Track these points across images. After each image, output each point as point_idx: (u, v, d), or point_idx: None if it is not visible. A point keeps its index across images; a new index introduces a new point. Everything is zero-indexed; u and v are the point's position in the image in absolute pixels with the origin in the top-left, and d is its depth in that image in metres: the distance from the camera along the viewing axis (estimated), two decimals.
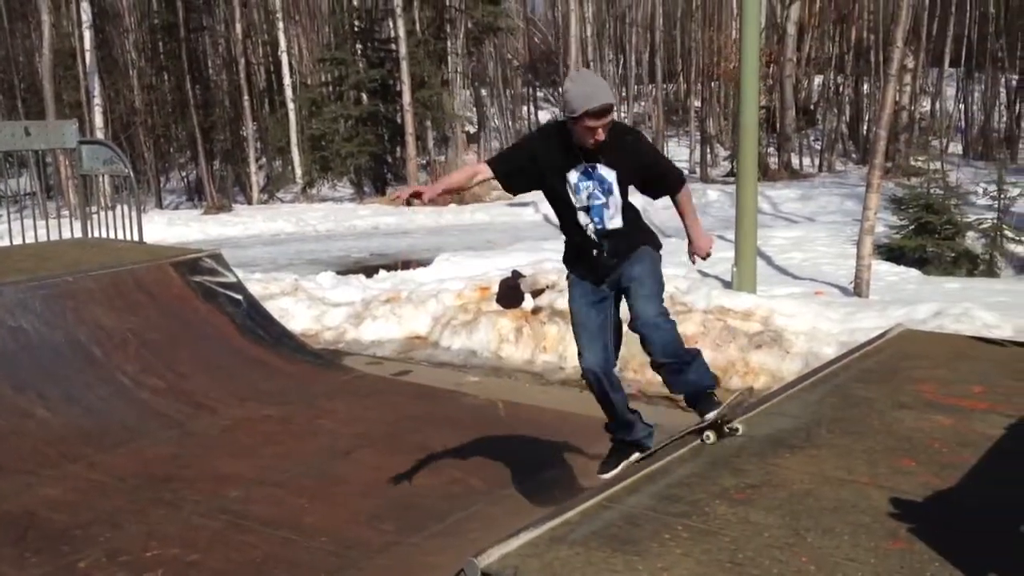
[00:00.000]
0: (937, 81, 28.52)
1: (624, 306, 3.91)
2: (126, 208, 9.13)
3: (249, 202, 25.37)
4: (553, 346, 8.49)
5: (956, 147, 27.10)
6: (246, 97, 26.20)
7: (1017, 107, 27.52)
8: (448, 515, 4.84)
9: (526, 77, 33.70)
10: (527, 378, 8.21)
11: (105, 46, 26.54)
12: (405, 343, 9.24)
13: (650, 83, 31.55)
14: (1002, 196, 12.08)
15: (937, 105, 28.29)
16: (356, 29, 26.54)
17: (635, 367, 7.95)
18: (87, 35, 23.40)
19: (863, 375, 4.88)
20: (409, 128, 23.13)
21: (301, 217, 20.90)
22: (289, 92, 25.77)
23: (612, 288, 3.86)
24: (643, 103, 32.86)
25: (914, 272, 10.61)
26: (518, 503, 4.94)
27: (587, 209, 3.72)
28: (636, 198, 3.93)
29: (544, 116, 33.70)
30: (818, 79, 30.60)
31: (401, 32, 22.85)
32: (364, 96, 25.43)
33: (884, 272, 10.07)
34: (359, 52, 26.09)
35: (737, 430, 3.90)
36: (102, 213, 9.53)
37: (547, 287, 8.96)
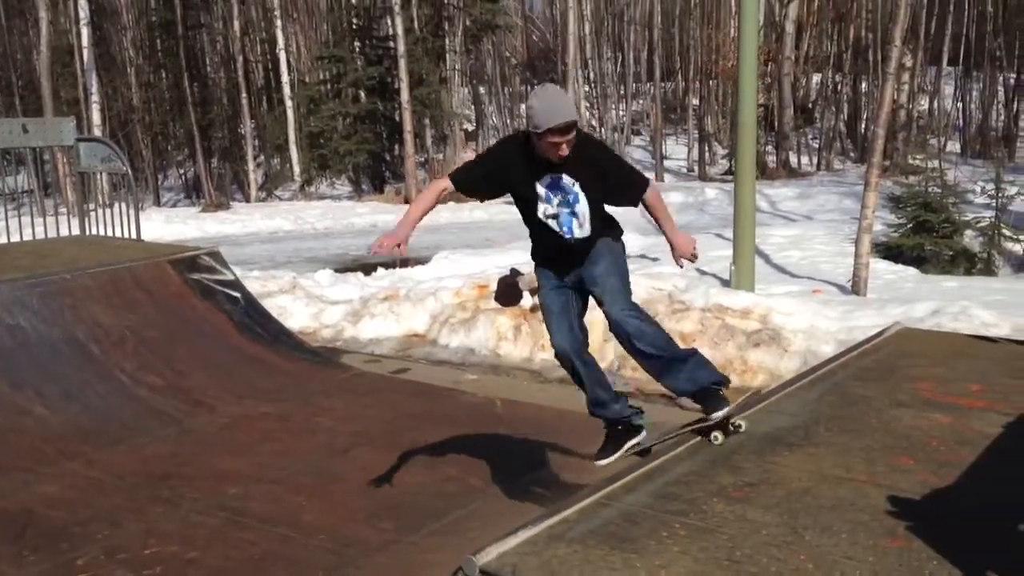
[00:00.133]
0: (935, 80, 28.52)
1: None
2: (124, 206, 9.12)
3: (247, 200, 25.35)
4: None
5: (954, 146, 27.10)
6: (244, 95, 26.17)
7: (1015, 106, 27.53)
8: (446, 513, 4.84)
9: (524, 75, 33.68)
10: (525, 376, 8.21)
11: (103, 43, 26.50)
12: (403, 341, 9.24)
13: (648, 81, 31.53)
14: (1000, 195, 12.09)
15: (935, 104, 28.30)
16: (354, 27, 26.52)
17: (632, 365, 7.93)
18: (85, 32, 23.37)
19: (861, 373, 4.89)
20: (407, 126, 23.11)
21: (299, 215, 20.88)
22: (287, 90, 25.74)
23: (574, 287, 3.91)
24: (641, 101, 32.84)
25: (912, 271, 10.62)
26: (516, 501, 4.94)
27: (555, 217, 3.76)
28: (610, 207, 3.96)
29: None
30: (816, 77, 30.60)
31: (399, 30, 22.83)
32: (362, 94, 25.41)
33: (882, 270, 10.08)
34: (357, 50, 26.06)
35: (740, 426, 3.89)
36: (100, 211, 9.52)
37: None
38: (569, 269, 3.87)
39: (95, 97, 23.36)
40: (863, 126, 28.15)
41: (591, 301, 4.01)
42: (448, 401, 7.00)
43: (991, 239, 11.83)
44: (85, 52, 23.44)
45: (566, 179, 3.68)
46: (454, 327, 9.08)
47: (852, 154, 28.20)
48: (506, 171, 3.75)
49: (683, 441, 3.93)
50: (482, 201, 4.20)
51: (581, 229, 3.77)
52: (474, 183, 3.87)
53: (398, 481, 5.28)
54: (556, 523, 3.24)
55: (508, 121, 29.23)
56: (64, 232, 9.50)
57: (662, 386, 3.98)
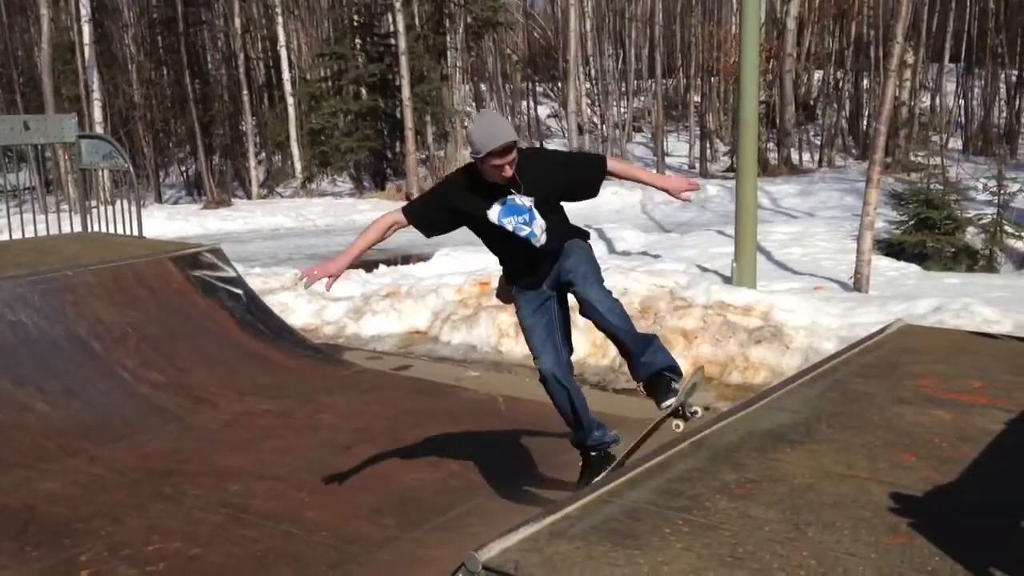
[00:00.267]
0: (937, 77, 28.49)
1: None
2: (126, 203, 9.12)
3: (248, 197, 25.35)
4: None
5: (956, 143, 27.08)
6: (245, 92, 26.17)
7: (1017, 102, 27.50)
8: (448, 509, 4.84)
9: (525, 72, 33.64)
10: (527, 373, 8.20)
11: (104, 40, 26.49)
12: (405, 338, 9.24)
13: (650, 78, 31.50)
14: (1002, 191, 12.09)
15: (937, 101, 28.26)
16: (355, 23, 26.50)
17: None
18: (86, 29, 23.36)
19: (863, 370, 4.88)
20: (408, 123, 23.10)
21: (300, 212, 20.89)
22: (288, 87, 25.73)
23: (553, 288, 3.98)
24: (642, 98, 32.82)
25: (914, 267, 10.61)
26: (518, 498, 4.94)
27: (514, 236, 3.85)
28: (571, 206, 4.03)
29: (544, 111, 33.68)
30: (818, 74, 30.57)
31: (400, 27, 22.81)
32: (363, 91, 25.39)
33: (884, 267, 10.08)
34: (358, 47, 26.05)
35: (697, 412, 3.88)
36: (102, 208, 9.53)
37: None
38: (545, 273, 3.94)
39: (96, 94, 23.36)
40: (865, 123, 28.11)
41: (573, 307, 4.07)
42: (450, 398, 7.00)
43: (993, 236, 11.82)
44: (86, 49, 23.43)
45: (518, 199, 3.77)
46: (456, 324, 9.08)
47: (854, 151, 28.17)
48: (459, 202, 3.85)
49: (685, 438, 3.93)
50: (428, 237, 4.19)
51: (540, 240, 3.86)
52: (428, 216, 3.98)
53: (400, 478, 5.29)
54: (558, 519, 3.24)
55: (509, 118, 29.20)
56: (66, 229, 9.50)
57: (627, 367, 4.01)
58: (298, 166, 25.45)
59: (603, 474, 3.93)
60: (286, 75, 25.87)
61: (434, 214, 3.96)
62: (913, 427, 3.98)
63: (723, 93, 29.32)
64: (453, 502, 4.94)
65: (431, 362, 8.46)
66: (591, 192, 3.98)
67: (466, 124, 27.79)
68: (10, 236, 9.11)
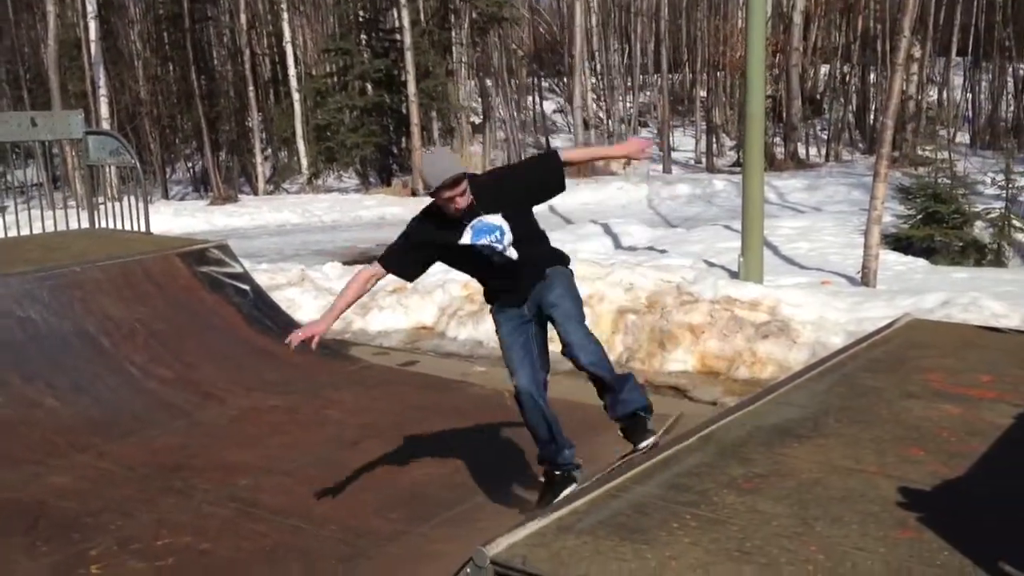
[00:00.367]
0: (944, 70, 28.34)
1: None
2: (133, 199, 9.14)
3: (255, 193, 25.38)
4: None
5: (963, 136, 26.98)
6: (251, 88, 26.17)
7: None
8: (456, 504, 4.86)
9: (531, 67, 33.57)
10: None
11: (110, 37, 26.51)
12: (412, 333, 9.25)
13: (655, 73, 31.40)
14: (1010, 185, 12.04)
15: (944, 94, 28.14)
16: (360, 19, 26.47)
17: (642, 357, 7.96)
18: (92, 25, 23.38)
19: (871, 364, 4.88)
20: (414, 118, 23.09)
21: (307, 208, 20.90)
22: (294, 82, 25.73)
23: (532, 312, 4.03)
24: (648, 93, 32.74)
25: (922, 262, 10.58)
26: (525, 492, 4.94)
27: (490, 254, 3.93)
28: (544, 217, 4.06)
29: (549, 106, 33.62)
30: (824, 68, 30.44)
31: (406, 22, 22.78)
32: (369, 86, 25.38)
33: (892, 262, 10.06)
34: (364, 42, 26.03)
35: (656, 444, 3.96)
36: (109, 204, 9.55)
37: None
38: (525, 296, 4.00)
39: (103, 90, 23.39)
40: (872, 117, 28.01)
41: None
42: (457, 393, 7.01)
43: (1001, 230, 11.78)
44: (92, 46, 23.46)
45: (486, 219, 3.87)
46: (462, 319, 9.08)
47: (861, 145, 28.07)
48: (430, 237, 3.96)
49: (694, 432, 3.93)
50: (411, 281, 4.41)
51: (514, 253, 3.94)
52: (405, 262, 4.10)
53: (408, 473, 5.30)
54: (566, 514, 3.25)
55: (515, 113, 29.16)
56: (73, 225, 9.54)
57: (602, 405, 4.13)
58: (304, 162, 25.46)
59: (562, 496, 3.97)
60: (292, 71, 25.88)
61: (410, 258, 4.08)
62: (921, 421, 3.98)
63: (729, 88, 29.24)
64: (460, 497, 4.95)
65: (438, 357, 8.46)
66: (558, 186, 4.04)
67: (471, 119, 27.79)
68: (18, 232, 9.13)
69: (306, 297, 9.85)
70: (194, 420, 6.19)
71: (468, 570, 3.08)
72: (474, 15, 26.03)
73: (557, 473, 4.14)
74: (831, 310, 7.73)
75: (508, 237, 3.89)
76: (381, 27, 26.39)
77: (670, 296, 8.33)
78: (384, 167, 26.02)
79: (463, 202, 3.79)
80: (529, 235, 3.98)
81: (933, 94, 28.29)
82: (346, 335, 9.24)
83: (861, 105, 29.07)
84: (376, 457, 5.54)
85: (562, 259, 4.12)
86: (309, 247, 16.22)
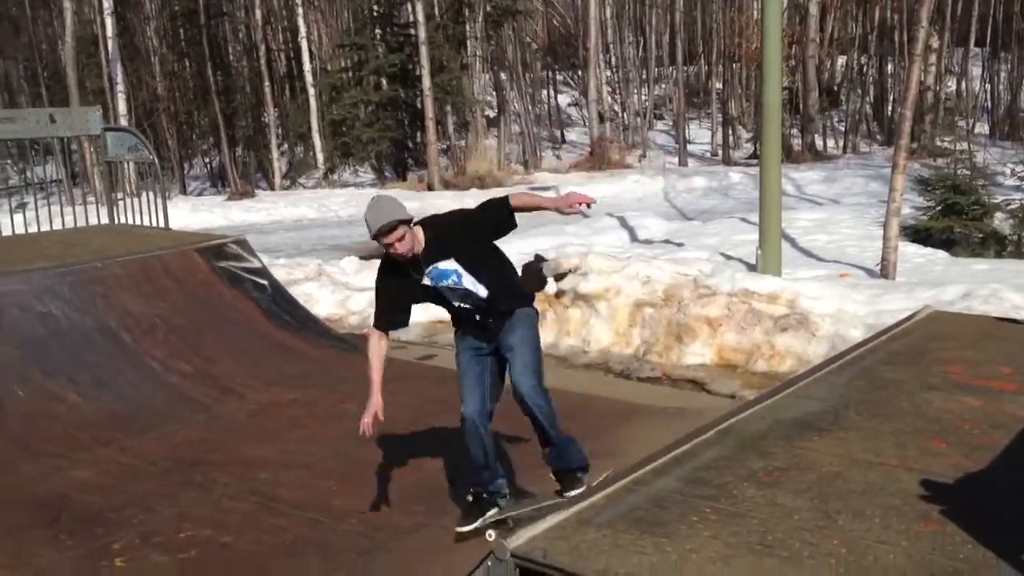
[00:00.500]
0: (962, 61, 28.09)
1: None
2: (151, 194, 9.19)
3: (272, 188, 25.47)
4: (577, 330, 8.49)
5: (982, 127, 26.73)
6: (267, 83, 26.26)
7: None
8: None
9: (545, 60, 33.49)
10: (551, 362, 8.19)
11: (127, 33, 26.65)
12: (429, 327, 9.24)
13: (671, 65, 31.27)
14: None
15: (962, 85, 27.89)
16: (375, 14, 26.49)
17: (659, 350, 7.95)
18: (109, 22, 23.51)
19: (891, 357, 4.86)
20: (429, 113, 23.10)
21: (323, 203, 20.95)
22: (309, 78, 25.79)
23: (493, 347, 4.14)
24: (664, 85, 32.60)
25: (941, 254, 10.50)
26: (544, 486, 4.94)
27: (452, 296, 4.07)
28: (512, 250, 4.29)
29: (564, 99, 33.53)
30: (841, 60, 30.22)
31: (420, 16, 22.78)
32: (384, 81, 25.40)
33: (911, 254, 9.98)
34: (378, 37, 26.05)
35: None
36: (128, 199, 9.61)
37: (570, 271, 8.95)
38: (486, 337, 4.13)
39: (120, 87, 23.53)
40: (890, 108, 27.79)
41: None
42: None
43: (1021, 221, 11.66)
44: (109, 42, 23.59)
45: (441, 264, 3.99)
46: None
47: (879, 136, 27.88)
48: (398, 287, 4.09)
49: (712, 426, 3.93)
50: (407, 326, 4.48)
51: (478, 294, 4.05)
52: (393, 317, 4.22)
53: (426, 466, 5.31)
54: (585, 508, 3.25)
55: (530, 107, 29.12)
56: (93, 221, 9.60)
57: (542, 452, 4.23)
58: (320, 157, 25.53)
59: (484, 519, 4.21)
60: (307, 66, 25.93)
61: (395, 311, 4.20)
62: (942, 414, 3.96)
63: (745, 79, 29.07)
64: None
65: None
66: (508, 228, 4.10)
67: (486, 113, 27.77)
68: (38, 228, 9.20)
69: (323, 292, 9.88)
70: (214, 414, 6.23)
71: (489, 563, 3.09)
72: (488, 8, 25.99)
73: (484, 496, 4.29)
74: (850, 303, 7.69)
75: (468, 279, 4.02)
76: (395, 22, 26.40)
77: (687, 289, 8.31)
78: (399, 161, 26.05)
79: (402, 247, 3.90)
80: (491, 275, 4.09)
81: (951, 85, 28.02)
82: (364, 329, 9.25)
83: (879, 96, 28.85)
84: (395, 451, 5.55)
85: (527, 300, 4.26)
86: (326, 242, 16.26)
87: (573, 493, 3.98)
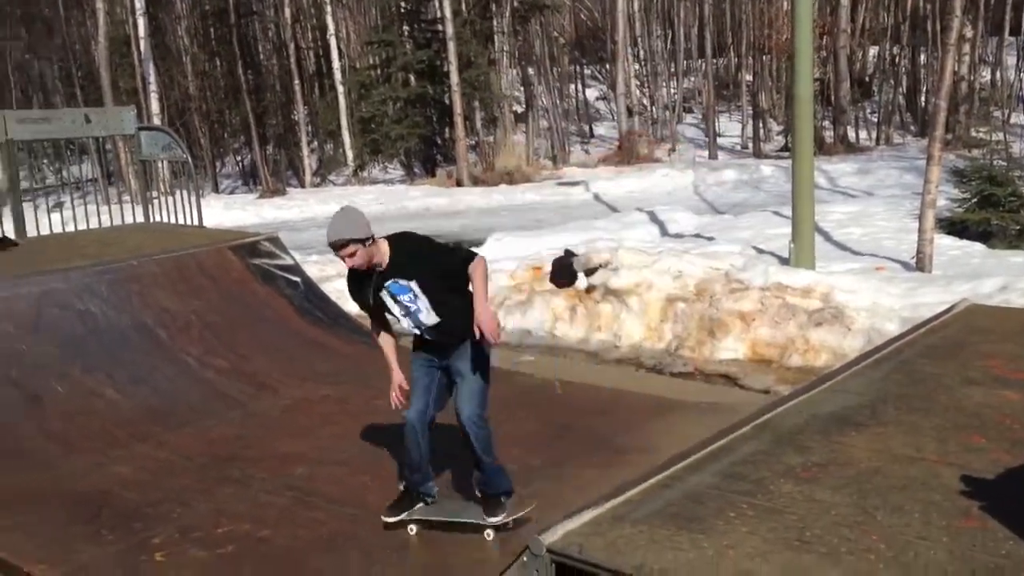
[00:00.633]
0: (996, 50, 27.62)
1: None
2: (185, 193, 9.29)
3: (302, 185, 25.64)
4: (608, 324, 8.47)
5: (1018, 117, 26.28)
6: (296, 81, 26.43)
7: None
8: None
9: (573, 55, 33.39)
10: (582, 357, 8.21)
11: (158, 33, 26.94)
12: None
13: (700, 58, 31.06)
14: None
15: (997, 75, 27.45)
16: (403, 10, 26.56)
17: (691, 345, 7.91)
18: (141, 22, 23.77)
19: (929, 351, 4.80)
20: (457, 108, 23.13)
21: (353, 199, 21.04)
22: (338, 75, 25.92)
23: (442, 366, 4.31)
24: (692, 78, 32.39)
25: (978, 246, 10.34)
26: (577, 481, 4.95)
27: (407, 315, 4.19)
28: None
29: (592, 93, 33.44)
30: (873, 50, 29.85)
31: (447, 12, 22.81)
32: (412, 78, 25.48)
33: (947, 246, 9.84)
34: (406, 33, 26.13)
35: (509, 525, 4.32)
36: (162, 198, 9.71)
37: (601, 265, 8.93)
38: (437, 354, 4.29)
39: (153, 86, 23.79)
40: (923, 99, 27.42)
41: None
42: (505, 383, 6.99)
43: None
44: (142, 42, 23.86)
45: (399, 282, 4.11)
46: (510, 309, 9.10)
47: (912, 128, 27.52)
48: (363, 295, 4.23)
49: (747, 422, 3.90)
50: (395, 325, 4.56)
51: (429, 318, 4.17)
52: (377, 321, 4.41)
53: (459, 462, 5.33)
54: (620, 503, 3.25)
55: (558, 101, 29.04)
56: (128, 219, 9.72)
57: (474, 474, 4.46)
58: (350, 154, 25.66)
59: (408, 513, 4.44)
60: (336, 64, 26.06)
61: (375, 316, 4.36)
62: (982, 408, 3.91)
63: (776, 71, 28.80)
64: (512, 485, 4.95)
65: None
66: (459, 278, 4.16)
67: (514, 108, 27.75)
68: (75, 227, 9.33)
69: None
70: (249, 410, 6.29)
71: (524, 558, 3.10)
72: (515, 3, 25.97)
73: (414, 494, 4.49)
74: (886, 296, 7.60)
75: (423, 301, 4.13)
76: (423, 18, 26.46)
77: (719, 283, 8.26)
78: (428, 158, 26.12)
79: (352, 262, 4.05)
80: (448, 306, 4.16)
81: (986, 74, 27.59)
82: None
83: (912, 87, 28.47)
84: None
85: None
86: None
87: (494, 520, 4.28)
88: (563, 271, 9.31)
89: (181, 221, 9.25)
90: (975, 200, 11.41)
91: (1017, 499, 3.07)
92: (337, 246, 4.01)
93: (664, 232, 12.30)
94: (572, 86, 32.25)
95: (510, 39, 26.89)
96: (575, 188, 20.84)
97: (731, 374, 7.35)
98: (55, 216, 9.55)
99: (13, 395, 5.93)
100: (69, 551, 4.40)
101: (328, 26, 26.27)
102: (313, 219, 19.52)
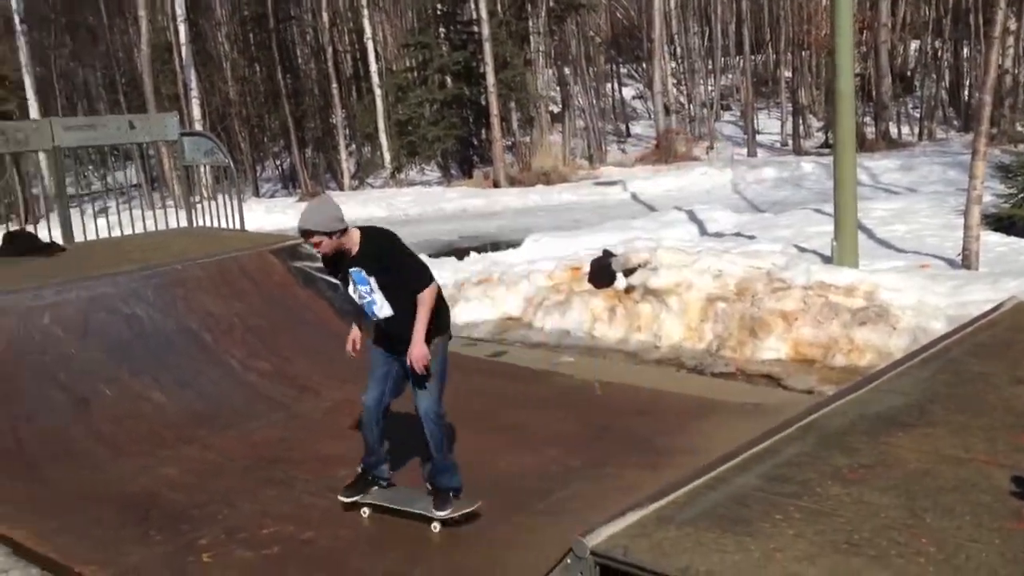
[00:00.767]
0: None
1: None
2: (227, 197, 9.40)
3: (341, 188, 25.85)
4: (648, 325, 8.43)
5: None
6: (334, 85, 26.66)
7: None
8: (548, 494, 4.87)
9: (609, 53, 33.29)
10: (621, 357, 8.18)
11: (199, 39, 27.32)
12: (499, 324, 9.29)
13: (737, 55, 30.80)
14: None
15: None
16: (439, 12, 26.68)
17: (732, 345, 7.85)
18: (182, 29, 24.12)
19: (977, 349, 4.72)
20: (493, 110, 23.17)
21: (391, 202, 21.19)
22: (375, 78, 26.10)
23: (398, 357, 4.45)
24: (730, 75, 32.13)
25: None
26: (618, 482, 4.93)
27: (364, 303, 4.43)
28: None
29: (629, 92, 33.31)
30: (914, 44, 29.40)
31: (483, 13, 22.86)
32: (448, 79, 25.57)
33: (993, 243, 9.65)
34: (442, 35, 26.23)
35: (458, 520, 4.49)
36: (205, 203, 9.83)
37: (639, 265, 8.89)
38: (394, 348, 4.44)
39: (194, 92, 24.13)
40: (966, 93, 26.95)
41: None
42: (546, 383, 7.03)
43: None
44: (183, 49, 24.21)
45: (363, 273, 4.35)
46: (548, 309, 9.09)
47: (955, 123, 27.07)
48: (335, 269, 4.48)
49: (792, 423, 3.86)
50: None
51: (383, 311, 4.39)
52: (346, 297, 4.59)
53: (499, 463, 5.33)
54: (665, 505, 3.23)
55: (594, 101, 28.97)
56: (172, 224, 9.86)
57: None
58: (387, 156, 25.82)
59: (363, 495, 4.67)
60: (373, 67, 26.24)
61: (342, 282, 4.55)
62: None
63: (815, 67, 28.48)
64: (552, 487, 4.96)
65: (525, 348, 8.50)
66: (405, 292, 4.35)
67: (550, 108, 27.73)
68: (120, 232, 9.48)
69: None
70: (291, 412, 6.35)
71: (568, 560, 3.10)
72: (551, 3, 25.95)
73: (369, 477, 4.71)
74: (931, 294, 7.48)
75: (379, 296, 4.36)
76: (459, 19, 26.54)
77: (760, 282, 8.18)
78: (465, 159, 26.20)
79: (318, 250, 4.35)
80: (401, 301, 4.34)
81: None
82: None
83: (954, 81, 28.00)
84: (468, 448, 5.57)
85: (438, 327, 4.44)
86: None
87: (439, 515, 4.44)
88: (601, 271, 9.28)
89: (223, 225, 9.36)
90: (1022, 195, 11.18)
91: None
92: (304, 235, 4.28)
93: (703, 231, 12.21)
94: (608, 85, 32.17)
95: (546, 39, 26.88)
96: (612, 188, 20.76)
97: (774, 374, 7.27)
98: (101, 221, 9.69)
99: (62, 399, 6.04)
100: (118, 552, 4.47)
101: (365, 29, 26.46)
102: (351, 221, 19.51)
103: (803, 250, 9.49)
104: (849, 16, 9.08)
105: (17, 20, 23.57)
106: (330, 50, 27.00)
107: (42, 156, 12.97)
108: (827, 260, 8.83)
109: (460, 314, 9.48)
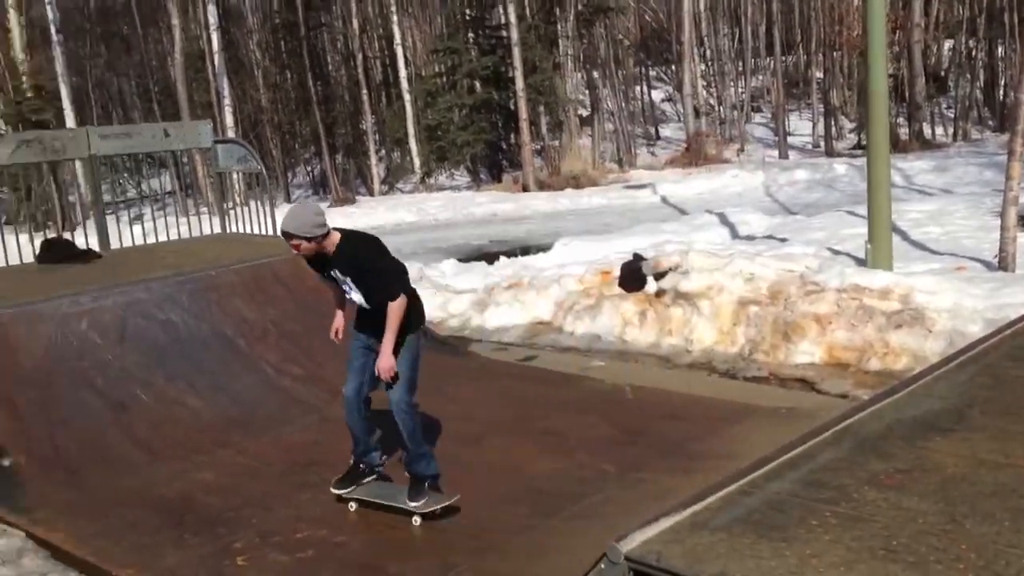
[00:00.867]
0: None
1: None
2: (259, 203, 9.49)
3: (371, 194, 25.99)
4: (679, 329, 8.39)
5: None
6: (364, 91, 26.81)
7: None
8: (581, 499, 4.86)
9: (638, 56, 33.19)
10: (653, 361, 8.15)
11: (231, 47, 27.61)
12: (529, 328, 9.29)
13: (768, 56, 30.58)
14: None
15: None
16: (467, 17, 26.76)
17: (765, 349, 7.79)
18: (215, 37, 24.39)
19: (1016, 352, 4.65)
20: (523, 114, 23.19)
21: (421, 207, 21.28)
22: (405, 84, 26.22)
23: (374, 352, 4.60)
24: (761, 77, 31.92)
25: None
26: (651, 487, 4.92)
27: (347, 298, 4.71)
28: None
29: (658, 95, 33.19)
30: (948, 44, 29.04)
31: (512, 18, 22.90)
32: (477, 84, 25.64)
33: None
34: (471, 40, 26.30)
35: (437, 511, 4.61)
36: (237, 209, 9.93)
37: (670, 269, 8.85)
38: (372, 335, 4.62)
39: (227, 100, 24.39)
40: (1001, 93, 26.57)
41: None
42: (577, 388, 7.03)
43: None
44: (216, 57, 24.49)
45: (338, 272, 4.59)
46: (579, 314, 9.08)
47: (991, 123, 26.68)
48: (316, 266, 4.70)
49: (828, 427, 3.82)
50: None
51: (363, 301, 4.62)
52: (324, 281, 4.85)
53: (531, 467, 5.34)
54: (699, 510, 3.21)
55: (623, 104, 28.90)
56: (206, 230, 9.97)
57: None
58: (416, 162, 25.93)
59: (356, 486, 4.84)
60: (402, 72, 26.38)
61: (323, 277, 4.77)
62: None
63: (847, 68, 28.21)
64: (585, 491, 4.96)
65: (556, 352, 8.50)
66: (376, 297, 4.56)
67: (579, 112, 27.69)
68: (156, 239, 9.61)
69: (424, 294, 9.94)
70: (324, 416, 6.39)
71: (602, 565, 3.09)
72: (579, 7, 25.94)
73: (361, 466, 4.87)
74: (968, 297, 7.38)
75: (356, 294, 4.60)
76: (487, 24, 26.60)
77: (793, 286, 8.12)
78: (494, 163, 26.25)
79: (298, 252, 4.55)
80: (379, 304, 4.51)
81: None
82: (464, 332, 9.37)
83: (989, 81, 27.60)
84: (499, 452, 5.61)
85: (410, 323, 4.59)
86: (425, 245, 16.50)
87: (413, 505, 4.58)
88: (632, 275, 9.25)
89: (256, 231, 9.46)
90: None
91: None
92: (284, 236, 4.50)
93: (735, 234, 12.14)
94: (637, 88, 32.05)
95: (575, 43, 26.86)
96: (642, 191, 20.70)
97: (807, 378, 7.21)
98: (136, 228, 9.84)
99: (99, 404, 6.13)
100: (155, 555, 4.53)
101: (395, 35, 26.60)
102: (382, 227, 19.75)
103: (836, 253, 9.40)
104: (882, 16, 8.99)
105: (53, 31, 23.96)
106: (360, 56, 27.17)
107: (78, 164, 13.19)
108: (861, 263, 8.75)
109: (490, 318, 9.51)
